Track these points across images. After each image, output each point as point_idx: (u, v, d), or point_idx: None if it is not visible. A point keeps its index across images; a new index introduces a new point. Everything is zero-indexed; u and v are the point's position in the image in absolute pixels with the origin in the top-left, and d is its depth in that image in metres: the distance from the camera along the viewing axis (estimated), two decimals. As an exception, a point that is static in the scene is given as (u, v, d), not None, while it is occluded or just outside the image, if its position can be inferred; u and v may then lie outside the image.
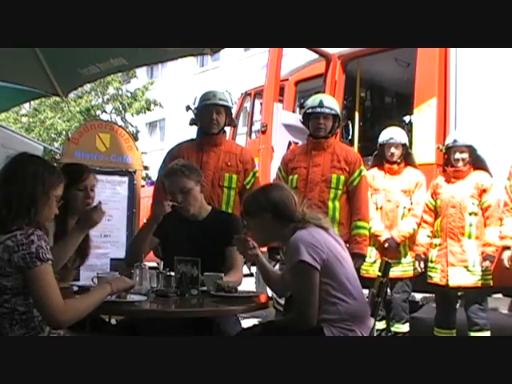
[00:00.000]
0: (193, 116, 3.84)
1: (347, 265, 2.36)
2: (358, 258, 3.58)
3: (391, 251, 4.25)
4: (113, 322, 2.88)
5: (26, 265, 1.89)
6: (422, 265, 4.19)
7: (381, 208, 4.34)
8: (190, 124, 3.90)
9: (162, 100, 16.89)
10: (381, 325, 4.39)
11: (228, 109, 3.74)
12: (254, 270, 6.05)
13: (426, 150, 4.76)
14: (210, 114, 3.65)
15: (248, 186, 3.70)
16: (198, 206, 2.94)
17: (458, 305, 4.50)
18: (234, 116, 4.05)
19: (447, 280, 4.02)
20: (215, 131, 3.68)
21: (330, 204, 3.68)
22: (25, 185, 2.00)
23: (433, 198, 4.21)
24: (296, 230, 2.34)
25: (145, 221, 3.08)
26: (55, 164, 4.35)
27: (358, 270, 3.13)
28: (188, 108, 3.87)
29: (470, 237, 4.03)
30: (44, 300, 1.90)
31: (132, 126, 16.77)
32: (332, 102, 3.87)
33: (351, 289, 2.31)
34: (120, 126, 5.32)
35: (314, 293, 2.26)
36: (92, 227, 2.67)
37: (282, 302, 4.54)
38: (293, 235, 2.33)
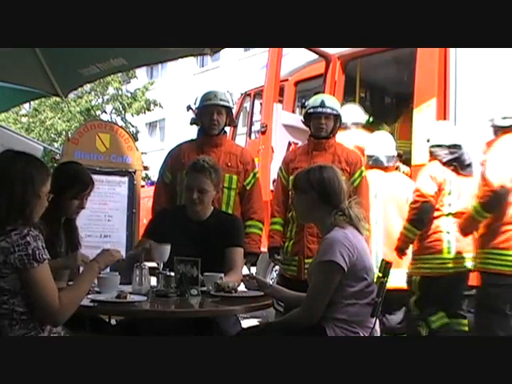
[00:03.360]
0: (193, 116, 3.84)
1: (371, 273, 2.42)
2: None
3: None
4: (113, 322, 2.87)
5: (23, 266, 1.88)
6: None
7: None
8: (191, 124, 3.90)
9: (161, 100, 16.90)
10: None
11: (229, 109, 3.73)
12: (253, 270, 6.05)
13: (425, 150, 4.75)
14: (210, 115, 3.65)
15: (248, 187, 3.70)
16: (205, 207, 2.94)
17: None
18: (233, 116, 4.04)
19: None
20: (216, 132, 3.68)
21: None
22: (13, 188, 1.96)
23: None
24: (335, 227, 2.39)
25: (145, 221, 3.08)
26: (54, 164, 4.35)
27: None
28: (189, 108, 3.87)
29: None
30: (41, 301, 1.91)
31: (132, 126, 16.77)
32: (333, 102, 3.87)
33: (366, 297, 2.37)
34: (120, 126, 5.31)
35: (328, 293, 2.31)
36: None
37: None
38: (331, 232, 2.38)
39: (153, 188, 3.97)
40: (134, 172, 4.78)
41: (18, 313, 1.94)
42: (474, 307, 3.88)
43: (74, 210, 2.73)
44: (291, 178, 3.76)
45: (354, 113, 5.06)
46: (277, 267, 5.56)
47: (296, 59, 6.49)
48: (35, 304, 1.93)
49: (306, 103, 3.92)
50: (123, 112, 16.76)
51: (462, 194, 3.91)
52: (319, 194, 2.45)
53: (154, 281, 2.65)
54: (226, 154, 3.68)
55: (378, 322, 2.43)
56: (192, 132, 3.98)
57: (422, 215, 3.89)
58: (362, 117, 5.14)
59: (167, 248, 2.59)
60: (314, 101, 3.82)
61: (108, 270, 2.73)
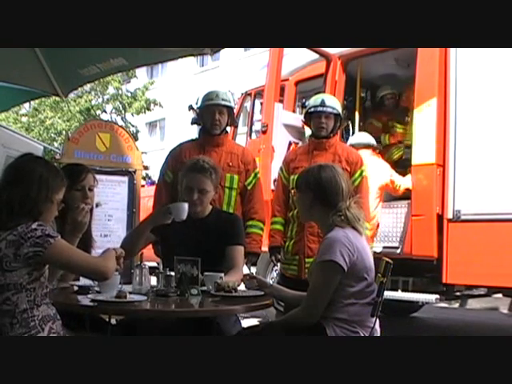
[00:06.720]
0: (194, 116, 3.83)
1: (371, 273, 2.41)
2: None
3: None
4: (113, 321, 2.87)
5: (42, 247, 1.91)
6: None
7: None
8: (192, 123, 3.90)
9: (162, 100, 16.90)
10: None
11: (230, 109, 3.73)
12: (253, 270, 6.05)
13: (425, 149, 4.76)
14: (212, 114, 3.64)
15: (249, 187, 3.70)
16: (204, 208, 2.94)
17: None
18: (234, 116, 4.04)
19: None
20: (217, 132, 3.67)
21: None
22: (30, 188, 2.01)
23: None
24: (335, 226, 2.39)
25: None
26: (56, 164, 4.36)
27: None
28: (190, 108, 3.86)
29: None
30: (80, 263, 2.01)
31: (132, 125, 16.77)
32: (334, 102, 3.88)
33: (366, 297, 2.37)
34: (120, 126, 5.31)
35: (328, 292, 2.32)
36: (81, 230, 2.48)
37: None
38: (331, 231, 2.38)
39: (153, 188, 3.98)
40: (134, 172, 4.79)
41: (21, 310, 1.95)
42: None
43: (81, 201, 2.72)
44: (292, 177, 3.77)
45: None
46: (277, 267, 5.56)
47: (297, 59, 6.49)
48: (79, 273, 2.12)
49: (307, 103, 3.92)
50: (123, 112, 16.77)
51: None
52: (315, 193, 2.46)
53: (154, 280, 2.65)
54: (228, 154, 3.68)
55: (378, 321, 2.43)
56: (192, 132, 3.99)
57: None
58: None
59: (185, 205, 2.75)
60: (315, 100, 3.83)
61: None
